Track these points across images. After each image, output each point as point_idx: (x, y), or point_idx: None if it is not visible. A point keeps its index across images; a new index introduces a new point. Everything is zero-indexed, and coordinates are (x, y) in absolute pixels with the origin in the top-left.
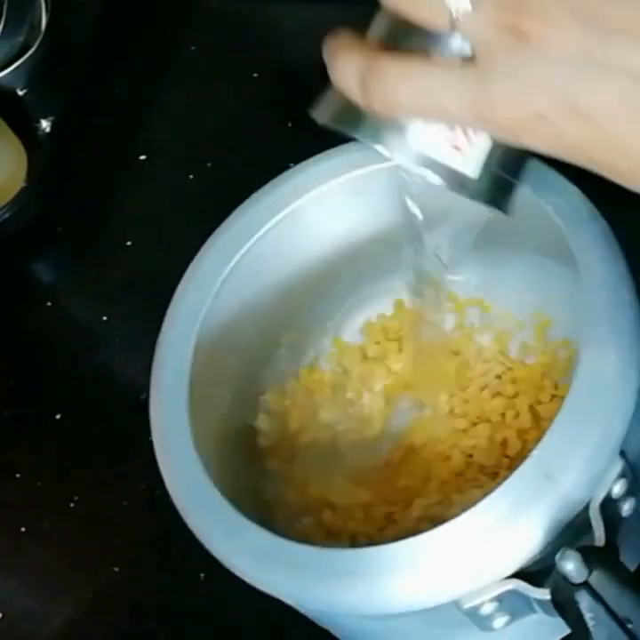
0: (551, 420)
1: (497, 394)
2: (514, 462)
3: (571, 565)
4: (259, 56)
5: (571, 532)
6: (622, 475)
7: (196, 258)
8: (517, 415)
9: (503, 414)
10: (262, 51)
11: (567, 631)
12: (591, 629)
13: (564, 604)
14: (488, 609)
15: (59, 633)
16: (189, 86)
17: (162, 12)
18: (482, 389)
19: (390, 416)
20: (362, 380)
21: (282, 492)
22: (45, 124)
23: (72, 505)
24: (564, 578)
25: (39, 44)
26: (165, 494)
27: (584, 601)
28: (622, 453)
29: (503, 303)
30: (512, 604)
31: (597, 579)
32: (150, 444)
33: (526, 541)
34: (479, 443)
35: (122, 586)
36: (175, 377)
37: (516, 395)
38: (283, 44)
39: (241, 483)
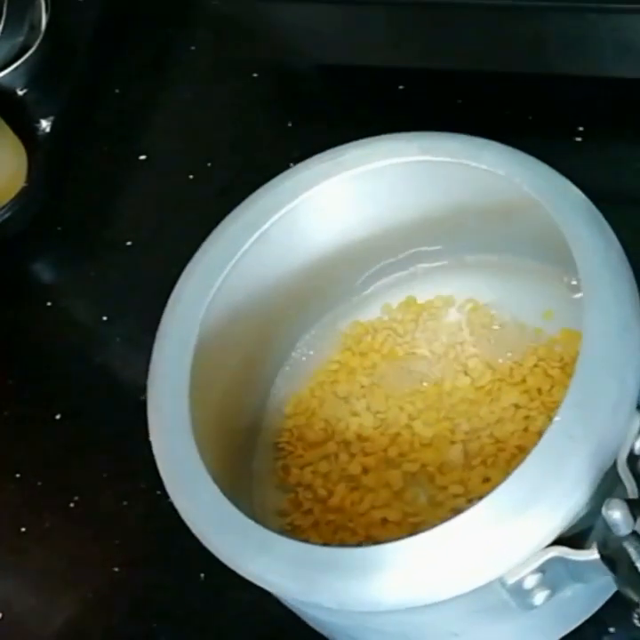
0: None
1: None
2: None
3: (618, 514)
4: (259, 56)
5: (601, 493)
6: None
7: (195, 256)
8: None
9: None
10: (262, 51)
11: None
12: None
13: (613, 557)
14: (531, 582)
15: (59, 633)
16: (189, 86)
17: (162, 11)
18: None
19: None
20: (363, 377)
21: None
22: (45, 124)
23: (72, 505)
24: (610, 530)
25: (39, 44)
26: (165, 494)
27: (634, 550)
28: (639, 408)
29: (503, 305)
30: (553, 575)
31: None
32: (150, 443)
33: (563, 505)
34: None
35: (122, 586)
36: (174, 378)
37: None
38: (283, 44)
39: (236, 478)
